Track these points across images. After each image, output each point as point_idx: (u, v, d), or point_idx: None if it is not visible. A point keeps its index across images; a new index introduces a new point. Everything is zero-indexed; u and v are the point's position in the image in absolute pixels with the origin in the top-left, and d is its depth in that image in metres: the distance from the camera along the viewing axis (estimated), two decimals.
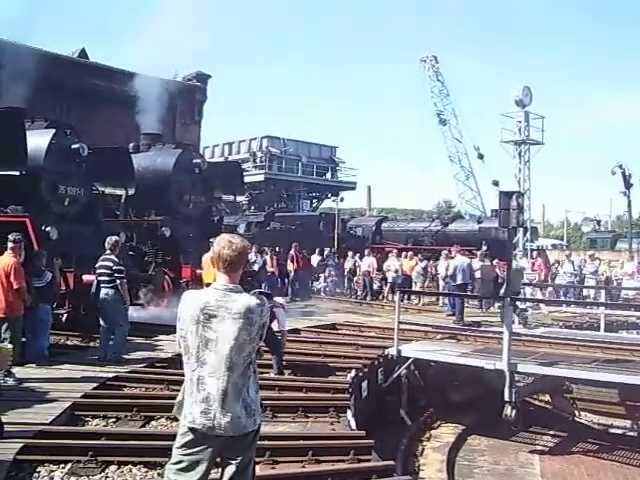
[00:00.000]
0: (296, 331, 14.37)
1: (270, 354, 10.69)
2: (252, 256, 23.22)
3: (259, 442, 6.99)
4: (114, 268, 10.94)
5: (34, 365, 10.13)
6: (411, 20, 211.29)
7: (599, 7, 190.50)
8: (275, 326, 10.74)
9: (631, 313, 19.10)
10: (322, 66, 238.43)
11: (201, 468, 3.96)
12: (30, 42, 19.79)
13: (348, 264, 27.32)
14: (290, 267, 25.45)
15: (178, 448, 4.03)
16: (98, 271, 11.17)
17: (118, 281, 10.87)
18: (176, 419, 4.43)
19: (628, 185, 28.86)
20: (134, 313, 13.53)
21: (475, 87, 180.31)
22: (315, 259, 28.10)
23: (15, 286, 9.54)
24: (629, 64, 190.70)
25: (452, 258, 20.70)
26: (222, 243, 4.08)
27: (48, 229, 13.27)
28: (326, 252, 29.21)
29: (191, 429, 3.96)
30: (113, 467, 6.43)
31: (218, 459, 4.09)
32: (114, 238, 11.46)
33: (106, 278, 11.00)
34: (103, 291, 10.90)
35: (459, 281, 19.52)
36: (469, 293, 20.86)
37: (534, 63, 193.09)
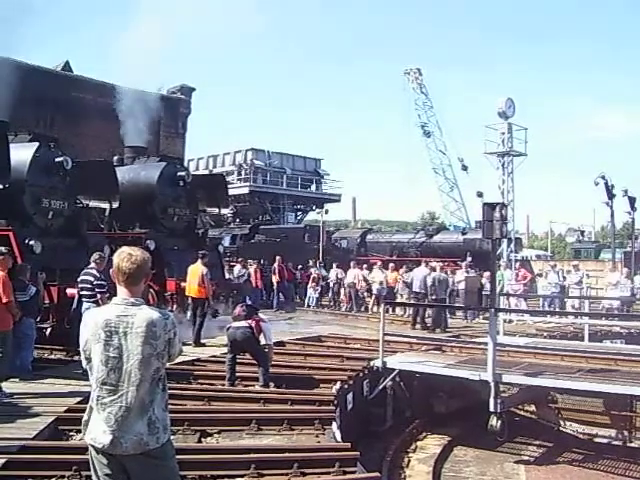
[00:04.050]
0: (281, 343, 14.32)
1: (256, 367, 10.71)
2: (238, 269, 23.35)
3: (245, 455, 7.07)
4: (95, 283, 10.86)
5: (18, 380, 10.05)
6: (396, 31, 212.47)
7: (587, 23, 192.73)
8: (262, 340, 10.76)
9: (615, 323, 19.20)
10: (307, 79, 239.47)
11: None
12: (12, 54, 19.77)
13: (332, 276, 27.35)
14: (274, 279, 25.46)
15: (90, 468, 3.99)
16: (80, 285, 11.12)
17: (99, 295, 10.77)
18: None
19: (611, 196, 28.95)
20: None
21: (459, 99, 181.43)
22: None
23: (4, 300, 9.44)
24: (614, 80, 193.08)
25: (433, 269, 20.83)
26: (122, 256, 3.97)
27: (32, 243, 13.18)
28: (311, 263, 29.29)
29: (94, 448, 3.88)
30: None
31: None
32: (100, 254, 11.44)
33: (87, 292, 10.93)
34: (84, 305, 10.80)
35: (414, 289, 20.79)
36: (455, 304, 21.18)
37: (520, 76, 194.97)
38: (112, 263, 4.08)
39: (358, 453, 7.27)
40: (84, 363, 4.00)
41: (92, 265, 11.11)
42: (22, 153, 14.01)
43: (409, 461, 10.43)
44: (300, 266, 28.50)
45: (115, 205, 17.29)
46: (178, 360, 4.92)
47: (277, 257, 25.93)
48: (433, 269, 20.57)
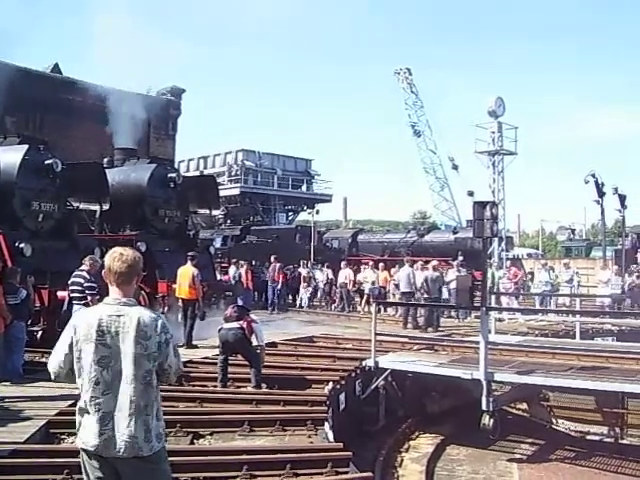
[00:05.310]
0: (273, 344, 14.30)
1: (248, 368, 10.69)
2: (234, 270, 23.42)
3: (237, 456, 7.05)
4: (85, 285, 10.82)
5: (9, 383, 10.01)
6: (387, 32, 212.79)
7: (577, 24, 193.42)
8: (254, 340, 10.73)
9: (606, 320, 19.27)
10: (301, 78, 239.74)
11: None
12: (1, 57, 19.71)
13: (322, 276, 27.39)
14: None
15: (82, 471, 3.97)
16: (70, 287, 11.07)
17: (89, 297, 10.73)
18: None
19: (601, 194, 29.12)
20: None
21: (450, 97, 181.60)
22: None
23: None
24: (605, 80, 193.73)
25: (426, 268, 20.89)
26: (113, 255, 3.97)
27: (22, 245, 13.15)
28: (302, 264, 29.28)
29: (85, 451, 3.85)
30: None
31: None
32: (93, 257, 11.43)
33: (78, 295, 10.89)
34: (75, 307, 10.77)
35: (401, 289, 20.86)
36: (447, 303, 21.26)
37: (520, 76, 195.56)
38: (103, 265, 4.07)
39: (351, 453, 7.26)
40: (75, 363, 3.87)
41: (83, 267, 11.07)
42: (11, 156, 13.99)
43: (402, 460, 10.42)
44: (291, 267, 28.48)
45: (105, 207, 17.26)
46: None
47: (272, 257, 25.96)
48: (426, 268, 20.58)
